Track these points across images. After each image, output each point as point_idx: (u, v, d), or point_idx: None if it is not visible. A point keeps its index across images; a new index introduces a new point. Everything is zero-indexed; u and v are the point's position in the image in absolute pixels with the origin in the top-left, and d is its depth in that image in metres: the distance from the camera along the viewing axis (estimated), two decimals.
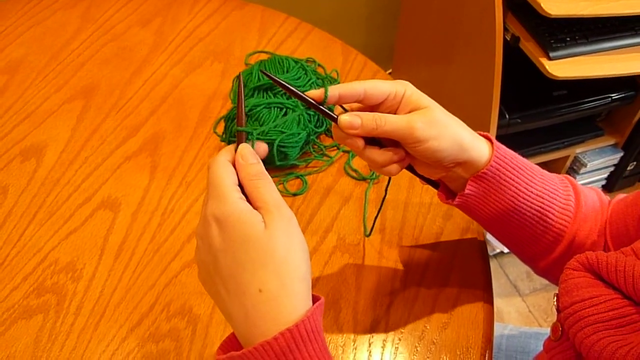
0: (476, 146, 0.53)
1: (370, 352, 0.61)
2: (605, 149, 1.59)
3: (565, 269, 0.48)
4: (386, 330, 0.63)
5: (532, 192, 0.55)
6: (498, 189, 0.55)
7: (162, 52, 0.96)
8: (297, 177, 0.77)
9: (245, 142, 0.49)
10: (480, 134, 0.56)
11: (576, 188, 0.58)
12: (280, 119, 0.75)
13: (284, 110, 0.77)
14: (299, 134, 0.75)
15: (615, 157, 1.60)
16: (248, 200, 0.45)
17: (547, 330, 0.86)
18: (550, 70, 1.12)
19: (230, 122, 0.77)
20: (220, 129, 0.83)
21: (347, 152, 0.81)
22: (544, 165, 1.63)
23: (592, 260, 0.46)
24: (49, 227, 0.71)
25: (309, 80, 0.82)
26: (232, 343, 0.46)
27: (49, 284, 0.66)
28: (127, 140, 0.82)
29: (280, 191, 0.74)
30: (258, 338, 0.41)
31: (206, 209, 0.44)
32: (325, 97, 0.50)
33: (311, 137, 0.80)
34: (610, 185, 1.71)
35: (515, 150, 0.57)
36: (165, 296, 0.65)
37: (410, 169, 0.59)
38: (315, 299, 0.45)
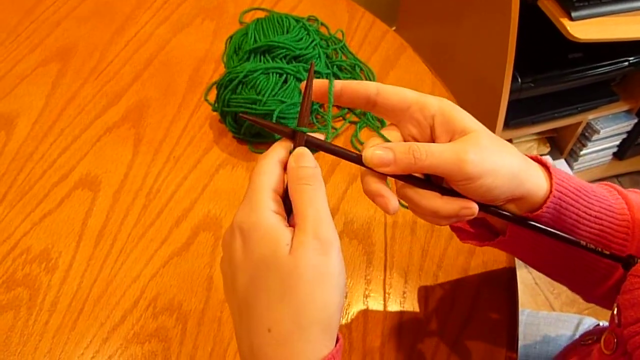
0: (532, 176, 0.43)
1: (383, 347, 0.55)
2: (619, 115, 1.52)
3: (628, 276, 0.41)
4: (401, 322, 0.56)
5: (591, 215, 0.45)
6: (555, 222, 0.45)
7: (147, 9, 0.87)
8: None
9: (304, 144, 0.41)
10: (529, 157, 0.45)
11: (625, 197, 0.49)
12: (279, 86, 0.67)
13: (284, 76, 0.68)
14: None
15: (629, 124, 1.53)
16: (291, 210, 0.38)
17: (565, 317, 0.80)
18: (571, 32, 1.03)
19: (224, 89, 0.69)
20: (212, 96, 0.75)
21: (354, 123, 0.73)
22: (554, 132, 1.56)
23: None
24: (20, 210, 0.63)
25: (312, 41, 0.73)
26: None
27: (20, 276, 0.58)
28: (107, 109, 0.74)
29: None
30: None
31: (236, 214, 0.38)
32: (331, 91, 0.42)
33: (314, 107, 0.72)
34: (621, 153, 1.65)
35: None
36: (151, 290, 0.58)
37: None
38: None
